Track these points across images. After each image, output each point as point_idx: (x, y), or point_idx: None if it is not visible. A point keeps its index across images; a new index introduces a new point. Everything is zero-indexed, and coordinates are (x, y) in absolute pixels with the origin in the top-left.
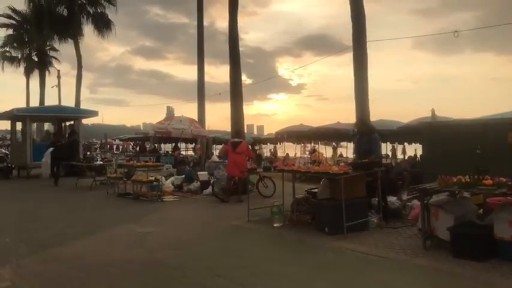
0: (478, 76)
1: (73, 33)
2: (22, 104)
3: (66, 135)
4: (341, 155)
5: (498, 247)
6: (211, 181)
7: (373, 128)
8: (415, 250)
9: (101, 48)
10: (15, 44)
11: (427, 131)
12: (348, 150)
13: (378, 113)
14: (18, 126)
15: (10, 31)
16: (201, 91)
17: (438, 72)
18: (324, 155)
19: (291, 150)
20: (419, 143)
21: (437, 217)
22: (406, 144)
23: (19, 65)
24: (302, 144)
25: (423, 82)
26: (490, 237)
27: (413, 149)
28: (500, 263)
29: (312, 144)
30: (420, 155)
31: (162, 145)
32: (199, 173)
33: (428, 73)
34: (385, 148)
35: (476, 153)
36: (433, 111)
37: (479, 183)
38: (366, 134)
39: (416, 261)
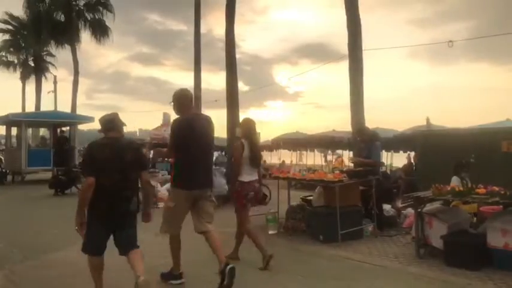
0: (472, 86)
1: (70, 39)
2: (18, 109)
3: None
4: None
5: (491, 256)
6: None
7: (373, 136)
8: (409, 258)
9: (98, 55)
10: (11, 49)
11: (422, 140)
12: (343, 158)
13: (373, 121)
14: (14, 131)
15: (7, 36)
16: (197, 98)
17: (433, 82)
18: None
19: (287, 157)
20: (414, 151)
21: (431, 225)
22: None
23: (15, 70)
24: (298, 152)
25: (418, 91)
26: (483, 246)
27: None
28: (493, 272)
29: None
30: (410, 163)
31: None
32: None
33: (423, 82)
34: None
35: (470, 161)
36: (428, 119)
37: (473, 192)
38: (367, 142)
39: (410, 269)
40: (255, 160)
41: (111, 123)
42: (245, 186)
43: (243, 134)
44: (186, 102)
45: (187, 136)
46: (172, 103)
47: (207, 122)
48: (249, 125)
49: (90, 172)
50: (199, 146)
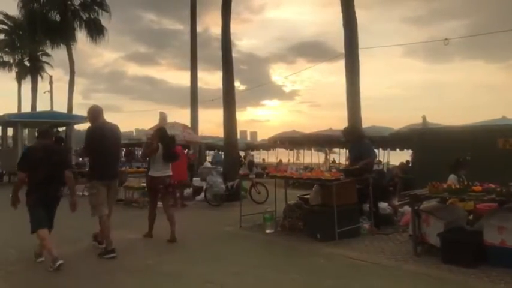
0: (468, 83)
1: (66, 38)
2: (13, 110)
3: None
4: (333, 161)
5: (488, 253)
6: (204, 187)
7: (361, 136)
8: (405, 256)
9: (94, 54)
10: (6, 49)
11: (418, 138)
12: (340, 156)
13: (370, 119)
14: (10, 131)
15: (2, 36)
16: (194, 97)
17: (429, 80)
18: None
19: (284, 156)
20: (411, 150)
21: (427, 223)
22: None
23: (11, 70)
24: (295, 150)
25: (414, 89)
26: (479, 243)
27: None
28: (489, 269)
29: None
30: (407, 161)
31: None
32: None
33: (419, 80)
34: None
35: (467, 159)
36: (424, 117)
37: (469, 189)
38: (355, 142)
39: (406, 267)
40: (168, 158)
41: (45, 133)
42: (154, 180)
43: (159, 140)
44: (95, 114)
45: (98, 139)
46: (87, 117)
47: (114, 129)
48: (162, 133)
49: (24, 169)
50: (107, 146)
